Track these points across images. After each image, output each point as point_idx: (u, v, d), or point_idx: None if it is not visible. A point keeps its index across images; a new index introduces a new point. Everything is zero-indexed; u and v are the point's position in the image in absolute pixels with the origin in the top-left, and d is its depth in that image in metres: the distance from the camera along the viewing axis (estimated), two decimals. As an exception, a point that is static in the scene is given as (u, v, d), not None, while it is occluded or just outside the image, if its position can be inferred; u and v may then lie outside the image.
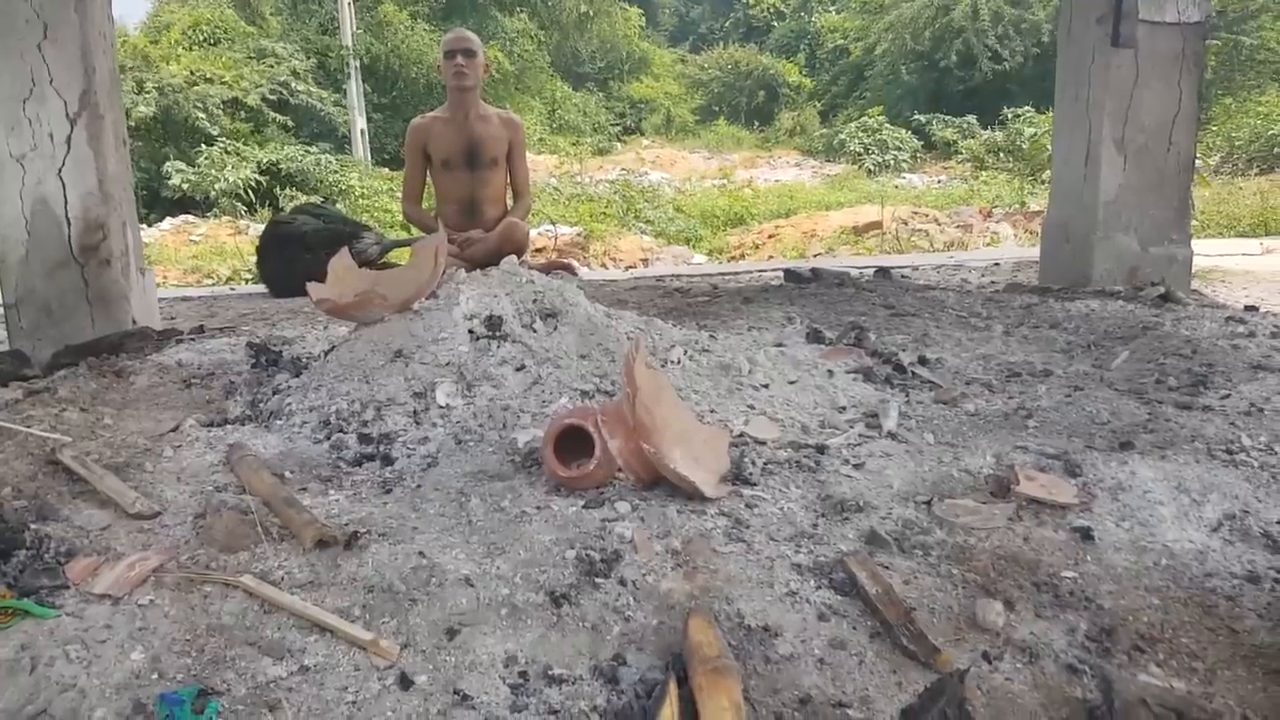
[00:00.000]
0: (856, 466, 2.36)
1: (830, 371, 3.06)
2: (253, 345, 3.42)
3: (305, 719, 1.43)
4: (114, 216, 4.01)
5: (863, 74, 26.81)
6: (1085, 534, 2.00)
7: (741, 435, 2.51)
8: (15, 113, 3.82)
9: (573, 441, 2.20)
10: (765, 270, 7.32)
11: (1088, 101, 5.14)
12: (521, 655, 1.58)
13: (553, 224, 11.36)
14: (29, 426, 2.50)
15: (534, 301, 2.97)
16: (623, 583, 1.79)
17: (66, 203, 3.90)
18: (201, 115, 15.59)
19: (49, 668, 1.50)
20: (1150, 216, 5.12)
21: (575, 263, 7.51)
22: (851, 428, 2.63)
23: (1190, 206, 5.50)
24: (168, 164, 14.46)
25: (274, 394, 2.88)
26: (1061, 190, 5.52)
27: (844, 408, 2.82)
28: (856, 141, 20.77)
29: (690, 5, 37.38)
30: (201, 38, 18.87)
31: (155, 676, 1.51)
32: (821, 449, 2.46)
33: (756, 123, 27.23)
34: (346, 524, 2.03)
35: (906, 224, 10.65)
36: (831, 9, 30.20)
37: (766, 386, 2.83)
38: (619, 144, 25.29)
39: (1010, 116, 18.70)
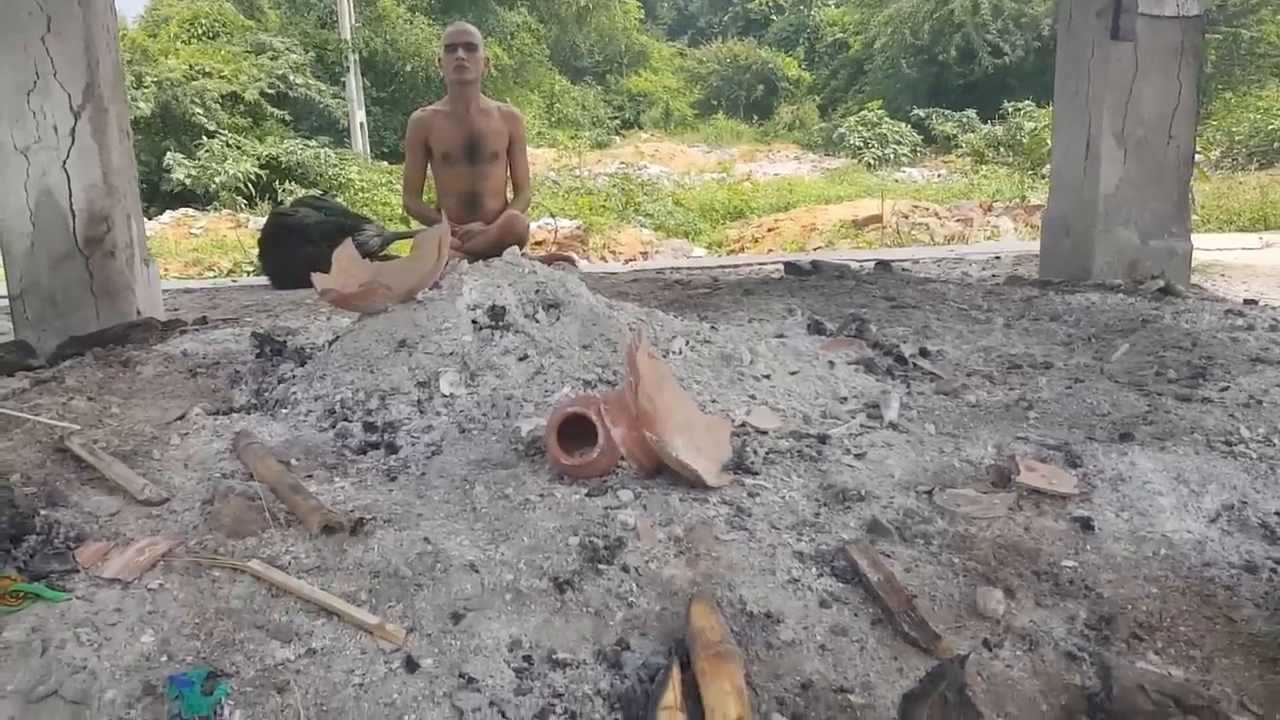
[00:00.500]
0: (858, 456, 2.38)
1: (831, 363, 3.08)
2: (257, 335, 3.43)
3: (313, 701, 1.45)
4: (118, 208, 4.02)
5: (862, 68, 26.78)
6: (1085, 524, 2.02)
7: (743, 425, 2.53)
8: (19, 105, 3.83)
9: (576, 430, 2.21)
10: (765, 263, 7.32)
11: (1087, 95, 5.14)
12: (526, 640, 1.60)
13: (553, 217, 11.36)
14: (37, 415, 2.52)
15: (536, 292, 2.99)
16: (626, 569, 1.81)
17: (71, 195, 3.90)
18: (199, 111, 15.58)
19: (60, 650, 1.52)
20: (1150, 210, 5.13)
21: (575, 255, 7.53)
22: (853, 418, 2.65)
23: (1190, 200, 5.50)
24: (169, 156, 14.44)
25: (279, 383, 2.90)
26: (1061, 184, 5.53)
27: (845, 398, 2.83)
28: (856, 135, 20.74)
29: (689, -1, 37.35)
30: (200, 31, 18.84)
31: (165, 659, 1.52)
32: (823, 439, 2.48)
33: (755, 116, 27.20)
34: (352, 510, 2.05)
35: (907, 218, 10.66)
36: (830, 3, 30.15)
37: (768, 377, 2.84)
38: (617, 138, 25.26)
39: (1010, 111, 18.66)
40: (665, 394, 2.24)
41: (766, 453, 2.39)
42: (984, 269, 6.53)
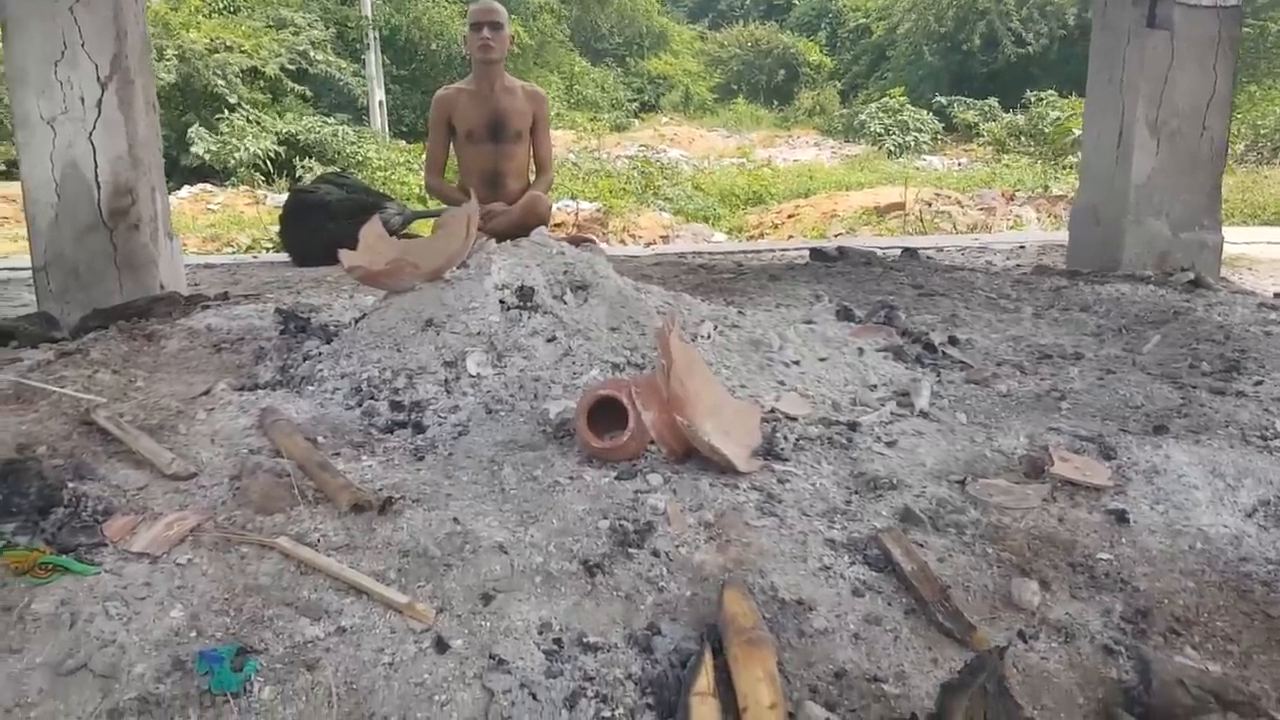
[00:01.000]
0: (889, 444, 2.36)
1: (861, 349, 3.05)
2: (281, 312, 3.42)
3: (343, 679, 1.44)
4: (143, 181, 4.01)
5: (884, 54, 26.56)
6: (1120, 516, 2.01)
7: (772, 411, 2.50)
8: (47, 75, 3.81)
9: (604, 413, 2.20)
10: (788, 249, 7.28)
11: (1121, 83, 5.08)
12: (556, 622, 1.59)
13: (574, 199, 11.32)
14: (62, 387, 2.51)
15: (565, 273, 2.97)
16: (656, 554, 1.80)
17: (96, 166, 3.90)
18: (221, 83, 15.54)
19: (89, 623, 1.51)
20: (1182, 201, 5.08)
21: (595, 238, 7.49)
22: (883, 406, 2.63)
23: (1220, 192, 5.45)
24: (192, 130, 14.43)
25: (304, 360, 2.89)
26: (1092, 173, 5.47)
27: (875, 386, 2.81)
28: (877, 122, 20.56)
29: (711, -19, 37.08)
30: (221, 5, 18.78)
31: (194, 634, 1.52)
32: (854, 426, 2.46)
33: (775, 102, 27.00)
34: (380, 489, 2.04)
35: (930, 205, 10.58)
36: (853, -13, 29.89)
37: (797, 363, 2.82)
38: (636, 120, 25.14)
39: (1033, 100, 18.50)
40: (695, 378, 2.22)
41: (796, 439, 2.37)
42: (1008, 258, 6.49)
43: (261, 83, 16.84)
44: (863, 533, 1.90)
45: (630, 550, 1.80)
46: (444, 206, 5.50)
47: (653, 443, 2.21)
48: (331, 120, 16.04)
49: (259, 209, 11.71)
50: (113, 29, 3.85)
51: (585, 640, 1.55)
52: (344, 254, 2.99)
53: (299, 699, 1.41)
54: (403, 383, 2.60)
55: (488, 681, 1.44)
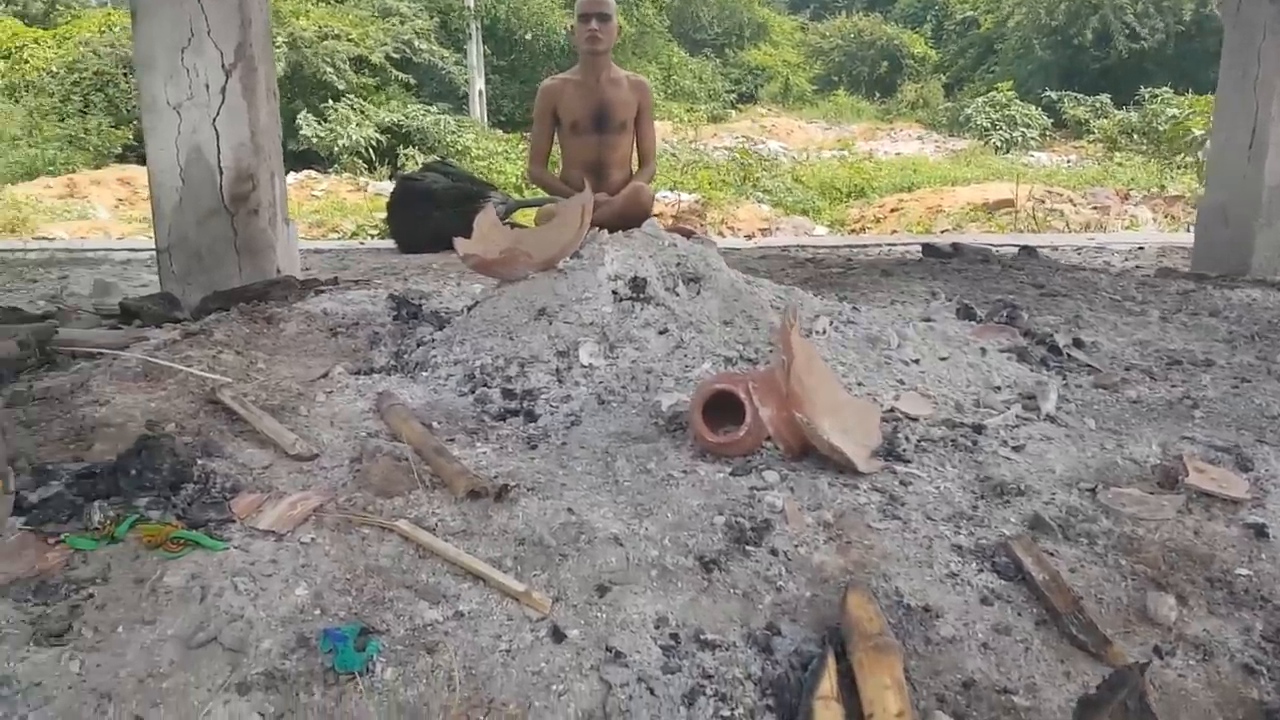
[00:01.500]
0: (1016, 448, 2.28)
1: (983, 349, 2.95)
2: (394, 298, 3.47)
3: (461, 664, 1.45)
4: (263, 167, 4.10)
5: (992, 47, 25.86)
6: (1259, 531, 1.90)
7: (892, 410, 2.44)
8: (174, 62, 3.92)
9: (719, 407, 2.17)
10: (895, 244, 7.14)
11: (1256, 81, 4.86)
12: (672, 617, 1.57)
13: (674, 189, 11.29)
14: (188, 366, 2.58)
15: (677, 265, 2.94)
16: (774, 552, 1.76)
17: (219, 152, 4.00)
18: (330, 71, 15.89)
19: (218, 598, 1.54)
20: (1318, 204, 4.82)
21: (694, 229, 7.45)
22: (1008, 408, 2.53)
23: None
24: (300, 117, 14.79)
25: (418, 346, 2.92)
26: (1221, 173, 5.23)
27: (999, 387, 2.71)
28: (983, 116, 20.01)
29: (814, -28, 36.61)
30: (329, -7, 19.20)
31: (318, 612, 1.54)
32: (978, 428, 2.38)
33: (877, 94, 26.52)
34: (495, 476, 2.04)
35: (1043, 202, 10.25)
36: (962, -22, 29.17)
37: (917, 362, 2.74)
38: (734, 111, 24.96)
39: (1147, 97, 17.81)
40: (813, 375, 2.18)
41: (919, 440, 2.30)
42: (1126, 259, 6.25)
43: (368, 70, 17.18)
44: (990, 539, 1.84)
45: (747, 548, 1.77)
46: (544, 195, 5.53)
47: (768, 439, 2.17)
48: (433, 109, 16.28)
49: (360, 196, 11.94)
50: (238, 17, 3.94)
51: (703, 637, 1.52)
52: (459, 242, 3.02)
53: (419, 681, 1.42)
54: (515, 371, 2.61)
55: (605, 674, 1.44)
